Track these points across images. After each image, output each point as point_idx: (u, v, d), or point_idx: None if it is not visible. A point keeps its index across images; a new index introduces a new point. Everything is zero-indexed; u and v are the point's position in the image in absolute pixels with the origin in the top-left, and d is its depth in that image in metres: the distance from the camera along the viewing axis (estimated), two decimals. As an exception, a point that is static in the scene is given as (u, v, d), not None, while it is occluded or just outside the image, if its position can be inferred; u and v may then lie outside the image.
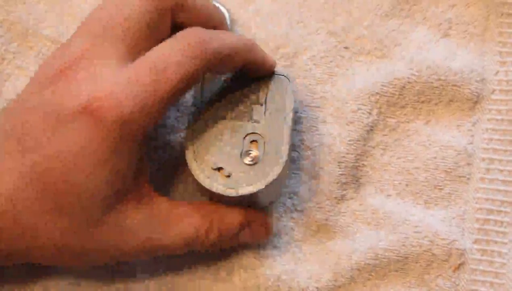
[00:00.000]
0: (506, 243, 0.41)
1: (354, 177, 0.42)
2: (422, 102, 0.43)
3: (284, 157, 0.38)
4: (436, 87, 0.42)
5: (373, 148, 0.42)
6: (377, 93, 0.42)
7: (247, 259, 0.41)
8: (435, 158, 0.42)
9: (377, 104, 0.42)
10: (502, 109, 0.43)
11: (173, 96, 0.34)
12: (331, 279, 0.40)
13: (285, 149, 0.38)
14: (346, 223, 0.41)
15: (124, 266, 0.41)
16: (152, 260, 0.41)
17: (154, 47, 0.35)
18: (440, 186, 0.42)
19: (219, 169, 0.38)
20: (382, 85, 0.42)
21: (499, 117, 0.43)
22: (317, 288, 0.40)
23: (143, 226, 0.36)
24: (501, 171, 0.42)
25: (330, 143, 0.42)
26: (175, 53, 0.34)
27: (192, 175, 0.38)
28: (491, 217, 0.42)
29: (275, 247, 0.41)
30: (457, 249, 0.41)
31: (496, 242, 0.41)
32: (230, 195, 0.37)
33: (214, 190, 0.38)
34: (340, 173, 0.41)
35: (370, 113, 0.42)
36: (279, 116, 0.39)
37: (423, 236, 0.41)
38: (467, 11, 0.44)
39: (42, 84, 0.35)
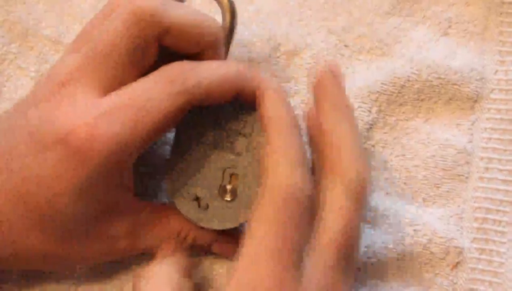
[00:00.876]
0: (504, 243, 0.41)
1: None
2: (422, 100, 0.43)
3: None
4: (436, 85, 0.42)
5: (373, 146, 0.42)
6: (377, 91, 0.42)
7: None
8: (434, 156, 0.42)
9: (377, 103, 0.43)
10: (502, 109, 0.43)
11: (154, 134, 0.34)
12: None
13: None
14: (345, 221, 0.41)
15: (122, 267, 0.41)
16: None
17: (136, 81, 0.35)
18: (439, 184, 0.42)
19: (197, 198, 0.38)
20: (382, 84, 0.42)
21: (498, 116, 0.43)
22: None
23: (126, 233, 0.37)
24: (500, 170, 0.42)
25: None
26: (157, 90, 0.34)
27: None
28: (489, 216, 0.42)
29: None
30: (455, 247, 0.41)
31: (494, 242, 0.41)
32: (205, 226, 0.38)
33: (189, 217, 0.38)
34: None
35: (369, 111, 0.42)
36: (261, 153, 0.36)
37: (421, 235, 0.41)
38: (467, 10, 0.44)
39: (30, 104, 0.35)
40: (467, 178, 0.42)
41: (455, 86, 0.42)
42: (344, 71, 0.43)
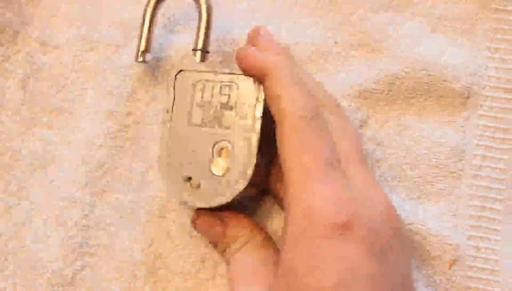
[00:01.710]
0: (499, 240, 0.41)
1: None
2: (413, 97, 0.42)
3: (251, 169, 0.37)
4: (426, 82, 0.42)
5: (365, 143, 0.42)
6: (367, 89, 0.42)
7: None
8: (427, 153, 0.42)
9: (368, 100, 0.42)
10: (494, 106, 0.43)
11: None
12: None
13: (253, 159, 0.38)
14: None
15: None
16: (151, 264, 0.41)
17: None
18: (433, 181, 0.42)
19: (189, 178, 0.38)
20: (372, 82, 0.42)
21: (491, 114, 0.42)
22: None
23: None
24: (493, 168, 0.42)
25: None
26: None
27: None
28: (484, 214, 0.41)
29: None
30: (451, 244, 0.40)
31: (489, 239, 0.41)
32: (199, 206, 0.38)
33: (183, 200, 0.38)
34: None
35: (359, 109, 0.42)
36: (248, 122, 0.38)
37: (416, 232, 0.40)
38: (457, 6, 0.44)
39: None
40: (460, 175, 0.42)
41: (446, 82, 0.42)
42: (334, 69, 0.43)
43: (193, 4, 0.41)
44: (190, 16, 0.44)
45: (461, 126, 0.42)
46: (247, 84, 0.38)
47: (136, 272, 0.41)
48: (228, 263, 0.39)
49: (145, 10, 0.41)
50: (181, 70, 0.39)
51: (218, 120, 0.38)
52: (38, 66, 0.43)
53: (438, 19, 0.43)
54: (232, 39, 0.43)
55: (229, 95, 0.39)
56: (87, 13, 0.44)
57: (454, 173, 0.42)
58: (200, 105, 0.39)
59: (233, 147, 0.38)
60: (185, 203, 0.38)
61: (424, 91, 0.42)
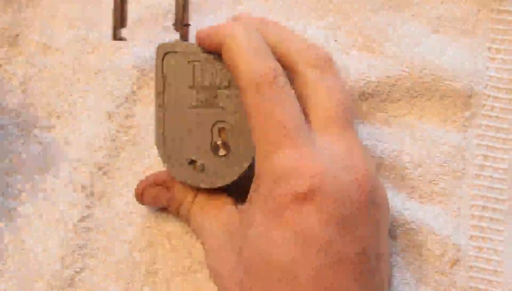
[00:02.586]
0: (502, 241, 0.41)
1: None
2: (415, 97, 0.42)
3: (252, 145, 0.37)
4: (428, 82, 0.42)
5: (366, 140, 0.42)
6: (368, 89, 0.42)
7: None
8: (428, 153, 0.42)
9: (369, 101, 0.42)
10: (496, 107, 0.42)
11: None
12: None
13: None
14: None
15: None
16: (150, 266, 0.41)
17: None
18: (435, 181, 0.41)
19: (192, 161, 0.38)
20: (373, 82, 0.42)
21: (492, 114, 0.42)
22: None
23: None
24: (495, 168, 0.42)
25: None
26: None
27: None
28: (486, 214, 0.41)
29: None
30: (453, 244, 0.40)
31: (492, 240, 0.41)
32: (204, 187, 0.38)
33: (189, 183, 0.38)
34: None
35: (360, 109, 0.42)
36: None
37: (418, 231, 0.40)
38: (458, 6, 0.44)
39: None
40: (463, 174, 0.42)
41: (447, 82, 0.42)
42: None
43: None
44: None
45: (463, 126, 0.42)
46: None
47: (135, 273, 0.41)
48: (188, 221, 0.40)
49: None
50: (167, 53, 0.39)
51: (213, 100, 0.38)
52: (39, 68, 0.44)
53: (438, 19, 0.43)
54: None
55: (221, 74, 0.39)
56: (87, 14, 0.44)
57: (456, 172, 0.42)
58: (193, 87, 0.39)
59: (232, 126, 0.38)
60: (190, 184, 0.38)
61: (426, 91, 0.42)
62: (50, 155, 0.43)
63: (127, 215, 0.42)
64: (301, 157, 0.34)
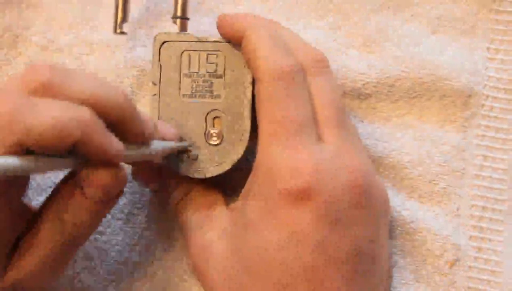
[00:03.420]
0: (501, 241, 0.41)
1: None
2: (414, 97, 0.42)
3: (247, 134, 0.38)
4: (427, 82, 0.42)
5: (365, 139, 0.42)
6: (368, 89, 0.42)
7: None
8: (428, 153, 0.42)
9: (368, 101, 0.42)
10: (495, 107, 0.42)
11: None
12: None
13: (247, 124, 0.38)
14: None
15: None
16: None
17: None
18: (435, 180, 0.41)
19: (186, 151, 0.38)
20: (373, 82, 0.42)
21: (492, 114, 0.42)
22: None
23: None
24: (495, 169, 0.42)
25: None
26: None
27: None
28: (486, 214, 0.41)
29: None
30: (452, 244, 0.40)
31: (491, 240, 0.41)
32: (198, 177, 0.38)
33: (181, 172, 0.38)
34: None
35: (360, 109, 0.42)
36: (239, 89, 0.39)
37: (418, 231, 0.40)
38: (457, 7, 0.44)
39: None
40: (463, 174, 0.42)
41: (447, 82, 0.42)
42: (334, 69, 0.43)
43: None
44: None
45: (463, 126, 0.42)
46: (233, 51, 0.39)
47: (134, 274, 0.41)
48: (177, 214, 0.40)
49: None
50: (164, 42, 0.39)
51: (208, 89, 0.39)
52: (39, 70, 0.44)
53: (438, 20, 0.43)
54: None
55: (216, 64, 0.39)
56: (87, 15, 0.44)
57: (456, 172, 0.42)
58: (188, 76, 0.39)
59: (226, 115, 0.38)
60: (184, 174, 0.39)
61: (425, 91, 0.42)
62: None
63: (125, 215, 0.42)
64: (301, 156, 0.34)
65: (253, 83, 0.38)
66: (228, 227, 0.37)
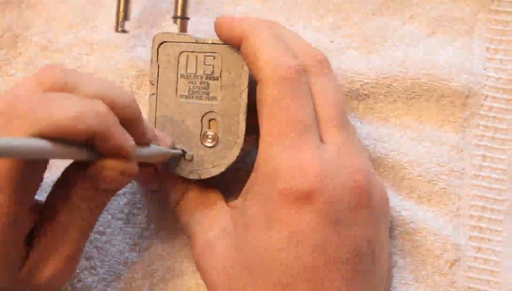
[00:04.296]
0: (500, 241, 0.41)
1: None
2: (412, 98, 0.42)
3: (242, 137, 0.38)
4: (425, 82, 0.42)
5: (364, 139, 0.42)
6: (366, 90, 0.42)
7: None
8: (428, 152, 0.42)
9: (366, 101, 0.42)
10: (494, 107, 0.42)
11: None
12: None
13: (242, 127, 0.38)
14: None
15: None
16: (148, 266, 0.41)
17: None
18: (434, 180, 0.41)
19: (182, 152, 0.39)
20: (371, 83, 0.42)
21: (491, 114, 0.42)
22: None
23: None
24: (494, 169, 0.42)
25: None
26: None
27: None
28: (485, 214, 0.41)
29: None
30: (452, 244, 0.40)
31: (490, 240, 0.41)
32: (193, 178, 0.39)
33: (177, 173, 0.39)
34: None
35: (358, 109, 0.42)
36: (235, 92, 0.39)
37: (417, 231, 0.40)
38: (456, 7, 0.44)
39: None
40: (462, 174, 0.42)
41: (445, 82, 0.42)
42: (333, 70, 0.43)
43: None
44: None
45: (461, 126, 0.42)
46: (230, 53, 0.39)
47: (133, 274, 0.41)
48: (177, 215, 0.40)
49: None
50: (163, 42, 0.39)
51: (204, 91, 0.39)
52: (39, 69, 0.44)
53: (437, 20, 0.43)
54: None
55: (213, 66, 0.39)
56: (87, 15, 0.44)
57: (455, 172, 0.42)
58: (185, 77, 0.39)
59: (222, 117, 0.39)
60: (179, 175, 0.39)
61: (424, 91, 0.42)
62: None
63: (125, 215, 0.42)
64: (305, 157, 0.34)
65: (250, 86, 0.38)
66: (228, 226, 0.37)
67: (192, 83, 0.39)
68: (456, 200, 0.41)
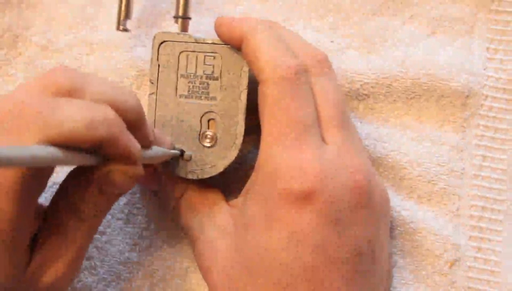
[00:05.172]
0: (500, 241, 0.41)
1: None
2: (412, 98, 0.42)
3: (240, 138, 0.38)
4: (425, 82, 0.42)
5: (364, 139, 0.42)
6: (366, 90, 0.42)
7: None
8: (428, 152, 0.42)
9: (366, 101, 0.42)
10: (494, 107, 0.42)
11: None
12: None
13: (241, 128, 0.38)
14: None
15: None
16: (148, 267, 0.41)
17: None
18: (434, 180, 0.41)
19: (181, 151, 0.39)
20: (371, 83, 0.42)
21: (491, 114, 0.42)
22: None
23: None
24: (494, 169, 0.42)
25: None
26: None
27: None
28: (485, 214, 0.41)
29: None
30: (452, 244, 0.40)
31: (490, 240, 0.41)
32: (192, 178, 0.39)
33: (176, 173, 0.39)
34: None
35: (358, 109, 0.42)
36: (234, 92, 0.39)
37: (417, 231, 0.40)
38: (456, 7, 0.44)
39: None
40: (462, 174, 0.42)
41: (445, 82, 0.42)
42: (334, 67, 0.43)
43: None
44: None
45: (461, 126, 0.42)
46: (230, 54, 0.39)
47: (133, 274, 0.41)
48: (176, 216, 0.40)
49: None
50: (163, 41, 0.39)
51: (204, 91, 0.39)
52: (39, 70, 0.44)
53: (437, 20, 0.43)
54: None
55: (213, 66, 0.39)
56: (87, 15, 0.44)
57: (455, 172, 0.42)
58: (185, 77, 0.39)
59: (221, 118, 0.39)
60: (178, 175, 0.39)
61: (424, 91, 0.42)
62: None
63: (125, 215, 0.42)
64: (305, 157, 0.34)
65: (250, 86, 0.38)
66: (228, 226, 0.37)
67: (192, 83, 0.39)
68: (456, 200, 0.41)
